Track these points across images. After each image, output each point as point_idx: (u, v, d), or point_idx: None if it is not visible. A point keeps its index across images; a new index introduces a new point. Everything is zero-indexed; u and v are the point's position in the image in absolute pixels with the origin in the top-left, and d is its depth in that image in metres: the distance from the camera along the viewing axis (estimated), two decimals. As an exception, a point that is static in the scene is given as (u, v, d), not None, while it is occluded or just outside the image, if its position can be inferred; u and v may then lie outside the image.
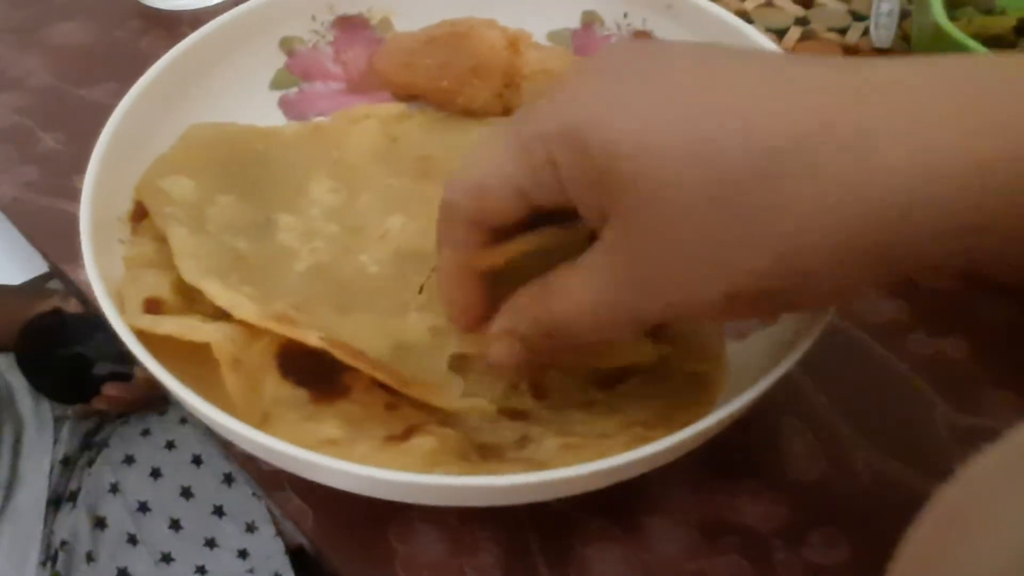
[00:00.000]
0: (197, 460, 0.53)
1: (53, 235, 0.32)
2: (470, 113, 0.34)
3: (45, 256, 0.32)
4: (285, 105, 0.35)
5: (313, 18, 0.36)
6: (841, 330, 0.28)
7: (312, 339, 0.21)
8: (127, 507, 0.51)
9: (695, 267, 0.17)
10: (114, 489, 0.53)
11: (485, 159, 0.20)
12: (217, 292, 0.22)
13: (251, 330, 0.22)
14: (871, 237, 0.16)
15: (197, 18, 0.43)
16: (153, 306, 0.23)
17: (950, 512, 0.12)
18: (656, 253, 0.18)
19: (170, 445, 0.55)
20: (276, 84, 0.35)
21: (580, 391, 0.25)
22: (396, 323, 0.25)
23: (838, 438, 0.25)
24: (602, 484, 0.20)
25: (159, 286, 0.24)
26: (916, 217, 0.16)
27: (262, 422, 0.21)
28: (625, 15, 0.35)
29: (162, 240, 0.27)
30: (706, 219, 0.17)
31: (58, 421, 0.56)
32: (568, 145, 0.18)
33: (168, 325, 0.22)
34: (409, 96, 0.35)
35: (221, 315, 0.24)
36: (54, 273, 0.34)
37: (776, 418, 0.26)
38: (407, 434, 0.21)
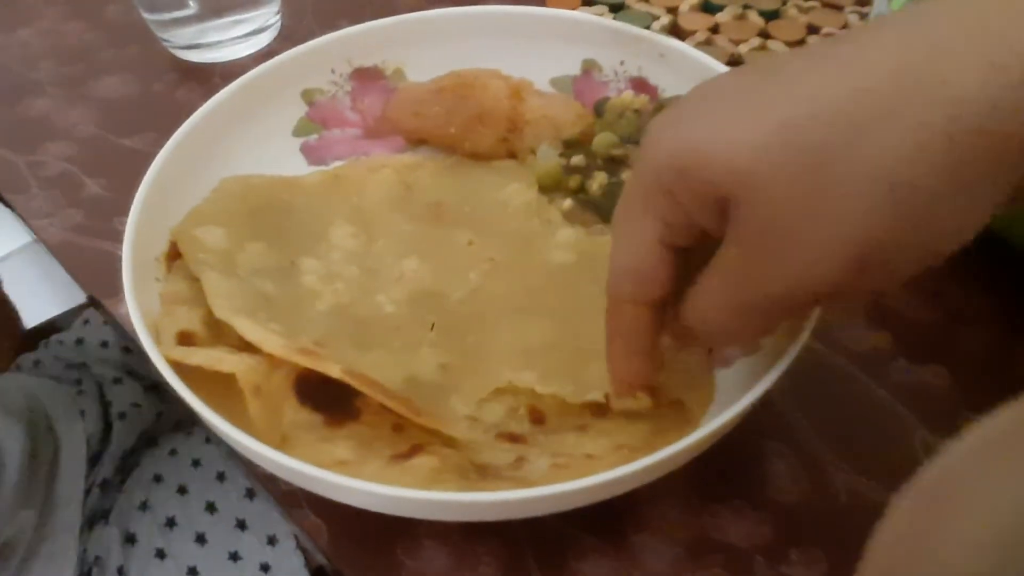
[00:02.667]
0: (221, 476, 0.56)
1: (96, 273, 0.35)
2: (477, 156, 0.37)
3: (88, 292, 0.35)
4: (306, 151, 0.38)
5: (332, 70, 0.39)
6: (825, 358, 0.29)
7: (334, 370, 0.23)
8: (156, 522, 0.53)
9: (817, 239, 0.18)
10: (143, 506, 0.55)
11: (626, 237, 0.21)
12: (247, 328, 0.25)
13: (272, 361, 0.25)
14: (982, 144, 0.16)
15: (228, 70, 0.47)
16: (185, 339, 0.26)
17: (929, 494, 0.12)
18: (775, 243, 0.18)
19: (196, 463, 0.57)
20: (298, 132, 0.38)
21: (575, 417, 0.26)
22: (409, 358, 0.27)
23: (819, 461, 0.27)
24: (588, 501, 0.22)
25: (191, 320, 0.27)
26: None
27: (281, 444, 0.23)
28: (622, 63, 0.38)
29: (194, 279, 0.29)
30: (812, 188, 0.17)
31: (92, 442, 0.58)
32: (674, 173, 0.19)
33: (198, 356, 0.24)
34: (419, 141, 0.38)
35: (247, 347, 0.26)
36: (93, 305, 0.37)
37: (760, 441, 0.27)
38: (411, 453, 0.23)
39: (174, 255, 0.30)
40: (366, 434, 0.24)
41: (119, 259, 0.36)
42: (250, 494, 0.54)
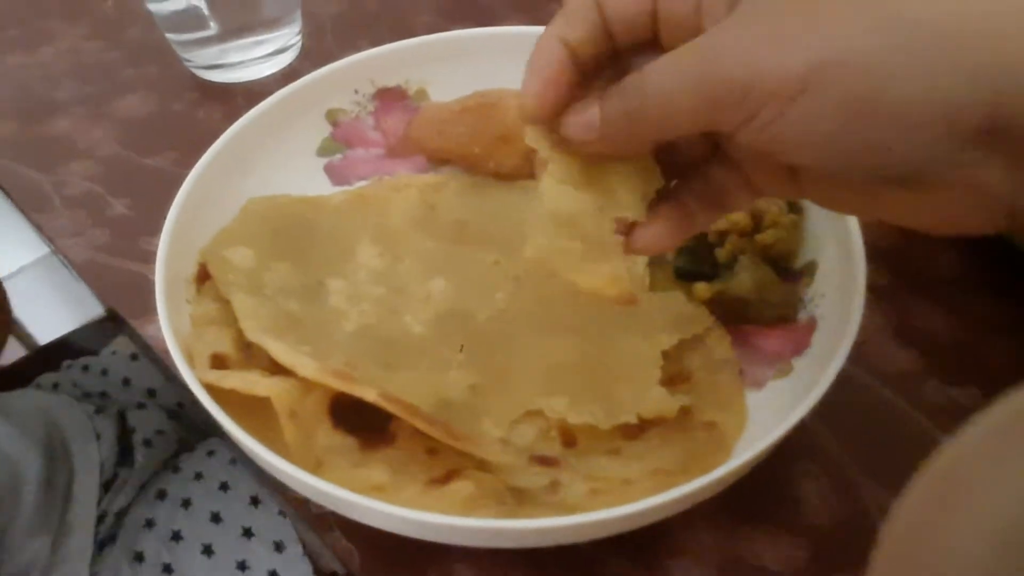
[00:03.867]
0: (224, 486, 0.55)
1: (123, 294, 0.35)
2: (500, 176, 0.37)
3: (115, 313, 0.35)
4: (330, 170, 0.38)
5: (356, 91, 0.39)
6: (856, 379, 0.29)
7: (370, 395, 0.23)
8: (161, 538, 0.53)
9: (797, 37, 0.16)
10: (149, 524, 0.55)
11: None
12: (279, 351, 0.25)
13: (305, 384, 0.25)
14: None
15: (249, 90, 0.47)
16: (218, 361, 0.26)
17: (937, 483, 0.12)
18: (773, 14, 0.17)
19: (198, 476, 0.56)
20: (322, 151, 0.38)
21: (606, 440, 0.26)
22: (439, 380, 0.27)
23: (852, 483, 0.27)
24: (627, 528, 0.22)
25: (222, 342, 0.27)
26: None
27: (316, 468, 0.23)
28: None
29: (223, 301, 0.29)
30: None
31: (107, 466, 0.58)
32: None
33: (233, 380, 0.24)
34: (442, 161, 0.38)
35: (279, 369, 0.26)
36: (113, 321, 0.37)
37: (793, 464, 0.27)
38: (447, 478, 0.23)
39: (203, 276, 0.31)
40: (401, 458, 0.24)
41: (146, 279, 0.36)
42: (255, 502, 0.54)
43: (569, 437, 0.27)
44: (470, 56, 0.40)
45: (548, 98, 0.21)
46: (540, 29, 0.39)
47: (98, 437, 0.59)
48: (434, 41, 0.39)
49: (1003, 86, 0.15)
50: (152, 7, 0.46)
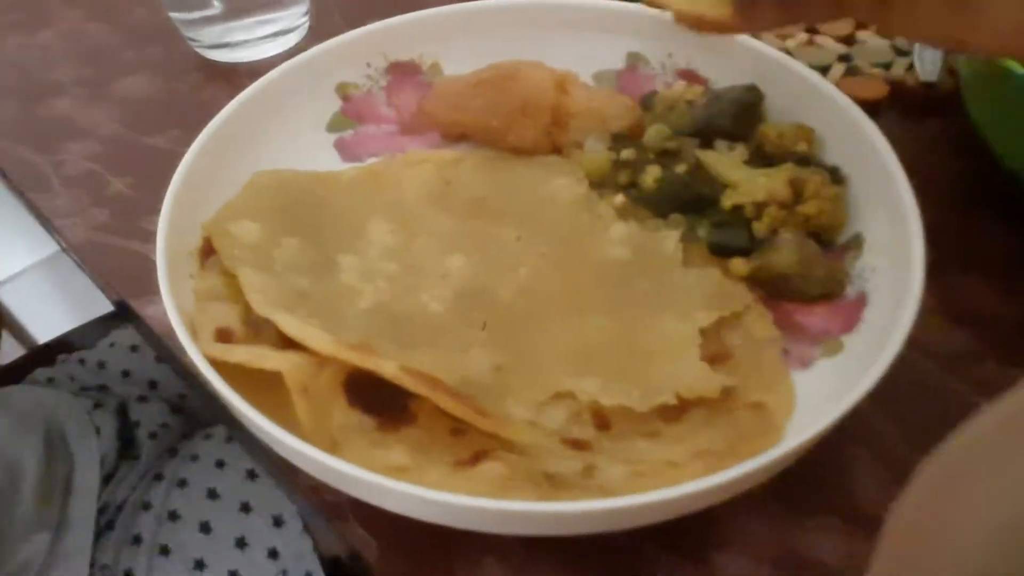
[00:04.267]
0: (220, 463, 0.53)
1: (123, 273, 0.33)
2: (519, 151, 0.35)
3: (115, 293, 0.33)
4: (340, 147, 0.36)
5: (368, 64, 0.37)
6: (910, 360, 0.27)
7: (389, 368, 0.21)
8: (158, 518, 0.51)
9: None
10: (145, 506, 0.53)
11: None
12: (289, 323, 0.23)
13: (318, 359, 0.23)
14: None
15: (254, 70, 0.45)
16: (224, 336, 0.24)
17: (944, 472, 0.12)
18: None
19: (194, 457, 0.54)
20: (332, 127, 0.36)
21: (643, 422, 0.24)
22: (460, 359, 0.25)
23: (909, 469, 0.25)
24: (674, 513, 0.20)
25: (228, 316, 0.25)
26: None
27: (331, 448, 0.21)
28: (670, 55, 0.36)
29: (229, 275, 0.27)
30: None
31: (107, 461, 0.56)
32: None
33: (239, 353, 0.22)
34: (458, 136, 0.36)
35: (287, 346, 0.24)
36: (119, 312, 0.35)
37: (846, 450, 0.25)
38: (476, 459, 0.21)
39: (207, 251, 0.29)
40: (422, 439, 0.22)
41: (147, 259, 0.34)
42: (251, 475, 0.52)
43: (602, 419, 0.25)
44: (486, 29, 0.38)
45: None
46: (554, 0, 0.38)
47: (98, 431, 0.57)
48: (449, 12, 0.38)
49: None
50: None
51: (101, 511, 0.54)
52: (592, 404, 0.25)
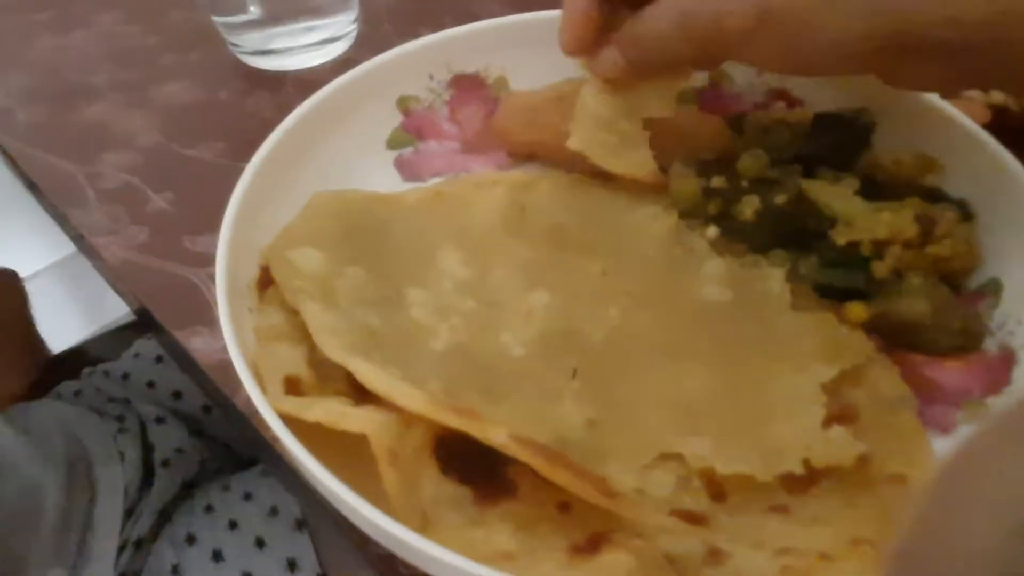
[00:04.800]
0: (260, 542, 0.51)
1: (165, 300, 0.31)
2: (597, 174, 0.32)
3: (145, 316, 0.30)
4: (400, 165, 0.34)
5: (430, 77, 0.35)
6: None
7: (499, 437, 0.18)
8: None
9: None
10: (175, 570, 0.50)
11: None
12: (373, 376, 0.20)
13: (403, 416, 0.20)
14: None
15: (300, 79, 0.43)
16: (293, 385, 0.21)
17: (952, 479, 0.12)
18: None
19: (233, 525, 0.52)
20: (392, 144, 0.34)
21: (764, 493, 0.21)
22: (551, 412, 0.22)
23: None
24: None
25: (294, 362, 0.22)
26: None
27: (422, 526, 0.18)
28: (758, 73, 0.33)
29: (290, 310, 0.25)
30: None
31: (130, 490, 0.54)
32: None
33: (317, 411, 0.19)
34: (526, 156, 0.34)
35: (358, 391, 0.22)
36: (141, 327, 0.32)
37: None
38: (594, 546, 0.18)
39: (265, 282, 0.26)
40: (527, 515, 0.19)
41: (189, 283, 0.32)
42: (291, 565, 0.49)
43: (716, 488, 0.22)
44: (554, 41, 0.35)
45: (580, 34, 0.26)
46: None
47: (122, 457, 0.55)
48: (518, 23, 0.35)
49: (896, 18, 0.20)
50: (198, -15, 0.41)
51: (120, 548, 0.51)
52: (705, 470, 0.22)
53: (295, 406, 0.20)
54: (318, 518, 0.32)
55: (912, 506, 0.12)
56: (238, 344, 0.20)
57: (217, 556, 0.50)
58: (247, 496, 0.53)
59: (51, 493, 0.49)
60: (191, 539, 0.51)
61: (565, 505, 0.20)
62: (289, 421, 0.19)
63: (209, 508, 0.52)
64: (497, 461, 0.20)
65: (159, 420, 0.57)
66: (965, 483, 0.11)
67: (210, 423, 0.60)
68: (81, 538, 0.49)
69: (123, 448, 0.54)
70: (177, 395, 0.59)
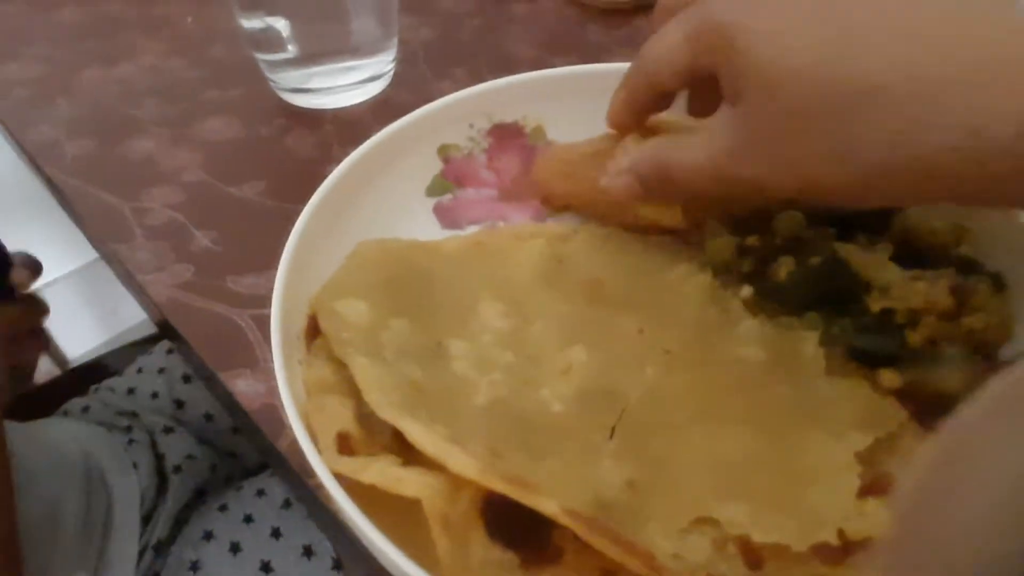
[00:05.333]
0: (276, 532, 0.52)
1: (209, 340, 0.32)
2: (631, 227, 0.33)
3: (203, 361, 0.31)
4: (439, 212, 0.34)
5: (471, 126, 0.36)
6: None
7: (550, 508, 0.19)
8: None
9: (791, 152, 0.22)
10: (194, 567, 0.51)
11: (666, 42, 0.25)
12: (424, 439, 0.21)
13: (454, 478, 0.21)
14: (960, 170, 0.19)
15: (339, 117, 0.44)
16: (344, 443, 0.22)
17: (947, 452, 0.12)
18: (767, 134, 0.22)
19: (248, 519, 0.53)
20: (432, 191, 0.35)
21: (800, 562, 0.22)
22: (591, 473, 0.23)
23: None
24: None
25: (345, 417, 0.23)
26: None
27: (471, 591, 0.19)
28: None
29: (337, 362, 0.25)
30: (810, 122, 0.21)
31: (146, 497, 0.55)
32: (726, 38, 0.23)
33: (372, 473, 0.20)
34: (563, 207, 0.34)
35: (402, 445, 0.22)
36: (197, 371, 0.33)
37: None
38: (638, 617, 0.18)
39: (313, 331, 0.27)
40: (572, 582, 0.19)
41: (234, 325, 0.33)
42: (307, 552, 0.50)
43: (753, 554, 0.22)
44: (593, 94, 0.36)
45: (625, 121, 0.29)
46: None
47: (135, 467, 0.56)
48: (559, 76, 0.36)
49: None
50: (244, 23, 0.43)
51: (140, 554, 0.52)
52: (741, 536, 0.22)
53: (350, 467, 0.20)
54: (354, 562, 0.33)
55: (909, 476, 0.12)
56: (294, 401, 0.21)
57: (235, 548, 0.51)
58: (260, 492, 0.54)
59: (70, 504, 0.50)
60: (208, 535, 0.51)
61: (609, 572, 0.20)
62: (342, 479, 0.20)
63: (224, 507, 0.53)
64: (543, 524, 0.20)
65: (167, 430, 0.58)
66: (965, 452, 0.12)
67: (215, 433, 0.61)
68: (102, 545, 0.50)
69: (135, 458, 0.55)
70: (179, 404, 0.60)
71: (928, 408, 0.26)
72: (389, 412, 0.22)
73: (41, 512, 0.48)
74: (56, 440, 0.54)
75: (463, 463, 0.20)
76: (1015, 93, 0.18)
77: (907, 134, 0.20)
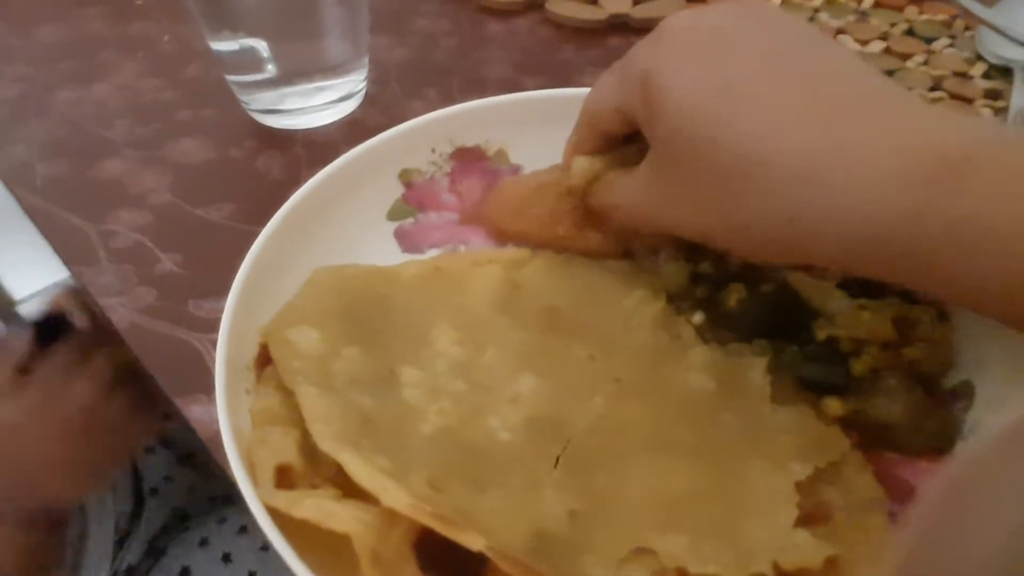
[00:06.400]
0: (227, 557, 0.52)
1: (168, 365, 0.32)
2: (589, 254, 0.33)
3: (161, 387, 0.31)
4: (400, 236, 0.35)
5: (433, 150, 0.36)
6: None
7: (476, 544, 0.19)
8: None
9: (691, 205, 0.24)
10: None
11: (602, 87, 0.27)
12: (360, 472, 0.21)
13: (388, 513, 0.21)
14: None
15: (309, 137, 0.44)
16: (284, 476, 0.22)
17: (952, 491, 0.12)
18: (671, 186, 0.24)
19: (227, 558, 0.53)
20: (393, 215, 0.35)
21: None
22: (532, 504, 0.23)
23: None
24: None
25: (287, 449, 0.23)
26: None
27: (401, 626, 0.19)
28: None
29: (286, 391, 0.26)
30: (701, 187, 0.23)
31: (121, 521, 0.55)
32: (643, 88, 0.24)
33: (306, 509, 0.20)
34: (522, 243, 0.35)
35: (347, 480, 0.22)
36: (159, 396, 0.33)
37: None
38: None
39: (264, 359, 0.27)
40: (502, 617, 0.20)
41: (193, 350, 0.33)
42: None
43: (694, 586, 0.22)
44: (555, 118, 0.36)
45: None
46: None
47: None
48: (518, 100, 0.36)
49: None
50: (213, 45, 0.43)
51: None
52: (679, 568, 0.22)
53: (285, 502, 0.20)
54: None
55: (915, 514, 0.12)
56: (232, 434, 0.21)
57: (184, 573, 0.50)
58: (242, 529, 0.54)
59: None
60: (185, 572, 0.51)
61: (540, 606, 0.20)
62: (277, 514, 0.20)
63: (204, 541, 0.53)
64: (477, 559, 0.20)
65: (148, 449, 0.58)
66: (973, 486, 0.12)
67: (198, 460, 0.61)
68: (72, 569, 0.50)
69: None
70: (166, 415, 0.60)
71: (871, 437, 0.26)
72: (329, 444, 0.22)
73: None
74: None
75: (395, 497, 0.20)
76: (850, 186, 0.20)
77: (781, 212, 0.21)
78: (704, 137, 0.22)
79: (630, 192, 0.27)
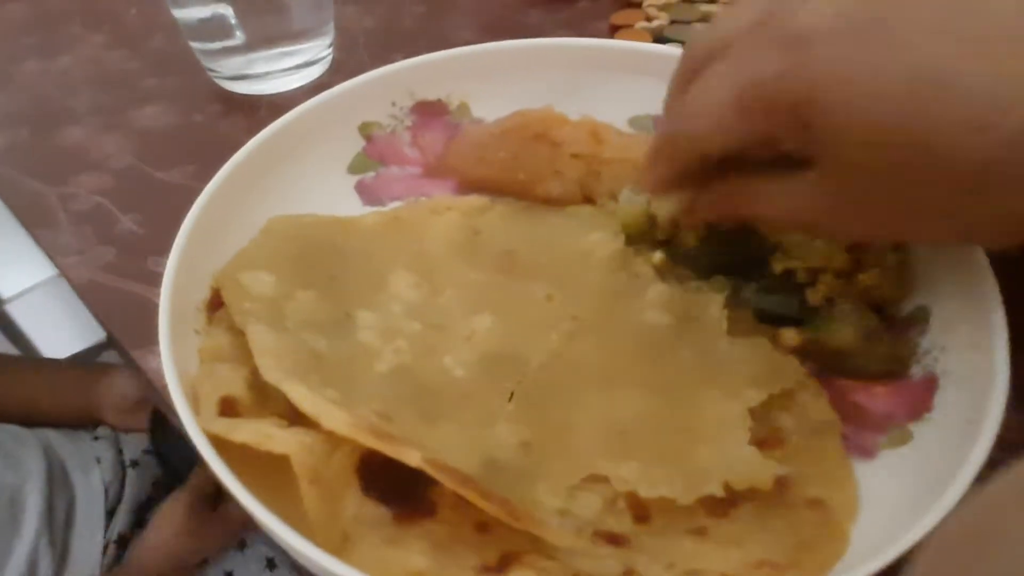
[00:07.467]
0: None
1: (126, 319, 0.31)
2: (550, 201, 0.33)
3: (117, 340, 0.31)
4: (361, 189, 0.34)
5: (393, 103, 0.36)
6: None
7: (414, 459, 0.19)
8: None
9: (879, 219, 0.22)
10: None
11: (710, 113, 0.22)
12: (302, 397, 0.21)
13: (331, 438, 0.21)
14: None
15: (274, 103, 0.44)
16: (228, 406, 0.22)
17: (964, 532, 0.12)
18: (852, 202, 0.22)
19: None
20: (354, 168, 0.35)
21: (686, 516, 0.22)
22: (484, 435, 0.23)
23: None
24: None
25: (234, 382, 0.23)
26: None
27: (342, 544, 0.19)
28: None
29: (237, 332, 0.25)
30: (897, 197, 0.20)
31: (110, 492, 0.55)
32: (796, 117, 0.20)
33: (244, 432, 0.20)
34: (483, 190, 0.34)
35: (296, 414, 0.22)
36: (115, 350, 0.33)
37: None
38: (503, 565, 0.18)
39: (216, 304, 0.27)
40: (444, 535, 0.20)
41: (151, 305, 0.32)
42: (270, 564, 0.50)
43: (641, 510, 0.22)
44: (517, 70, 0.36)
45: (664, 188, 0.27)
46: (592, 41, 0.36)
47: (98, 461, 0.56)
48: (480, 52, 0.36)
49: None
50: (177, 14, 0.43)
51: (105, 548, 0.53)
52: (630, 493, 0.22)
53: (224, 427, 0.20)
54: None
55: (924, 559, 0.12)
56: (174, 363, 0.21)
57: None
58: (270, 564, 0.55)
59: (35, 498, 0.50)
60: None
61: (483, 526, 0.20)
62: (220, 444, 0.20)
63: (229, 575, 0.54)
64: (420, 483, 0.20)
65: (127, 428, 0.58)
66: (983, 530, 0.12)
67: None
68: (64, 539, 0.50)
69: (99, 453, 0.55)
70: (155, 414, 0.60)
71: (826, 363, 0.26)
72: (273, 374, 0.22)
73: (2, 510, 0.48)
74: (17, 437, 0.54)
75: (333, 418, 0.20)
76: None
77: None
78: (910, 145, 0.19)
79: (794, 199, 0.23)
